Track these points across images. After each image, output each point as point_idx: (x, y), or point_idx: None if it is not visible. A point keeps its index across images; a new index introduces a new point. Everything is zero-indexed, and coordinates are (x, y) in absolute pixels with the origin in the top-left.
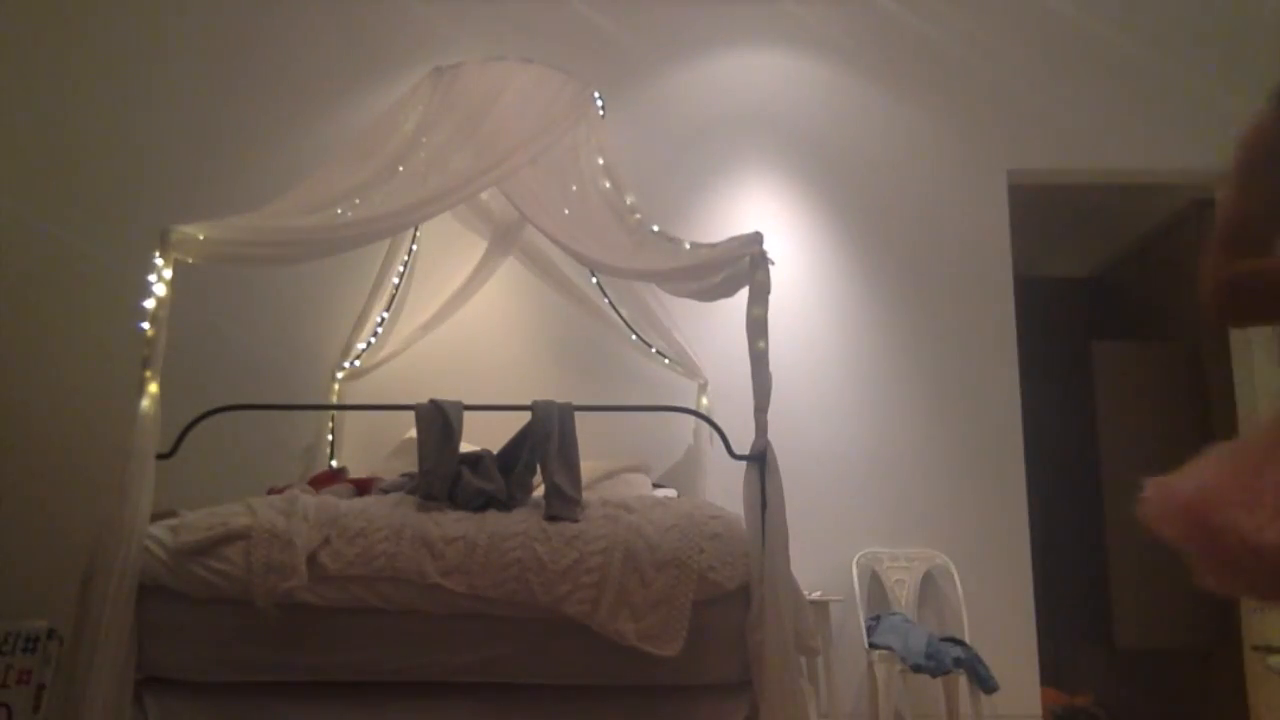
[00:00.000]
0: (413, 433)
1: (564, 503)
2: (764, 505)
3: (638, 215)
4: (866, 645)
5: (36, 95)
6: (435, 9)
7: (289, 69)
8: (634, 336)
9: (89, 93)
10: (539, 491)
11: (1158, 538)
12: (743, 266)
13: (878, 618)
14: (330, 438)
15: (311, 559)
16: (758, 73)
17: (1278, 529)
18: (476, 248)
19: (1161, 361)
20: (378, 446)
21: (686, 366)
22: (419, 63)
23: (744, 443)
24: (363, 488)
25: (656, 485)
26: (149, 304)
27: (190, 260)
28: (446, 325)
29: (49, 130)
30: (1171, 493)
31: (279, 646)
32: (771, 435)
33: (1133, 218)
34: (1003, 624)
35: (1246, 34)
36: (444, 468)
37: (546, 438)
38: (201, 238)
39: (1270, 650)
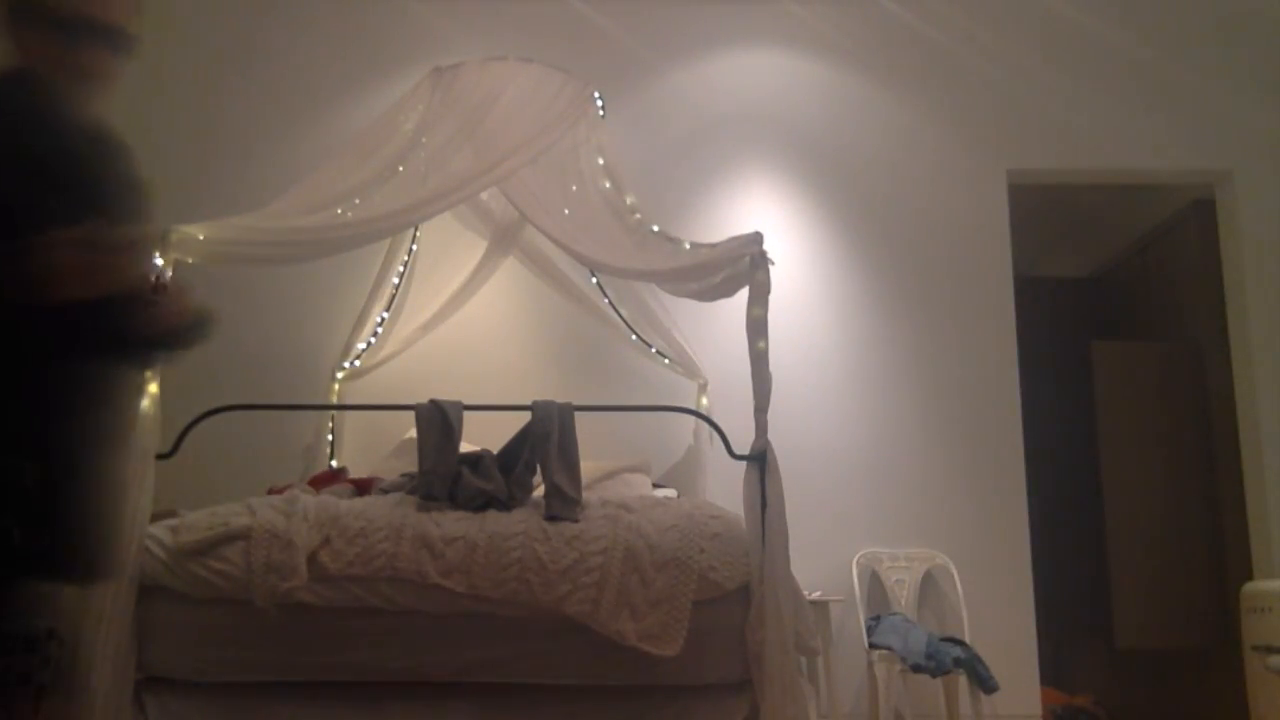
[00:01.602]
0: (413, 433)
1: (564, 503)
2: (764, 505)
3: (638, 215)
4: (866, 645)
5: None
6: (435, 9)
7: (289, 69)
8: (634, 336)
9: None
10: (539, 491)
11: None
12: (743, 266)
13: (878, 618)
14: (330, 438)
15: (311, 559)
16: (758, 73)
17: None
18: (476, 248)
19: (1161, 361)
20: (378, 446)
21: (686, 366)
22: (419, 63)
23: (744, 443)
24: (363, 488)
25: (656, 485)
26: None
27: (190, 260)
28: (446, 325)
29: None
30: None
31: (279, 646)
32: (771, 435)
33: (1133, 218)
34: (1003, 624)
35: (1247, 34)
36: (444, 468)
37: (546, 438)
38: (201, 238)
39: (1270, 650)
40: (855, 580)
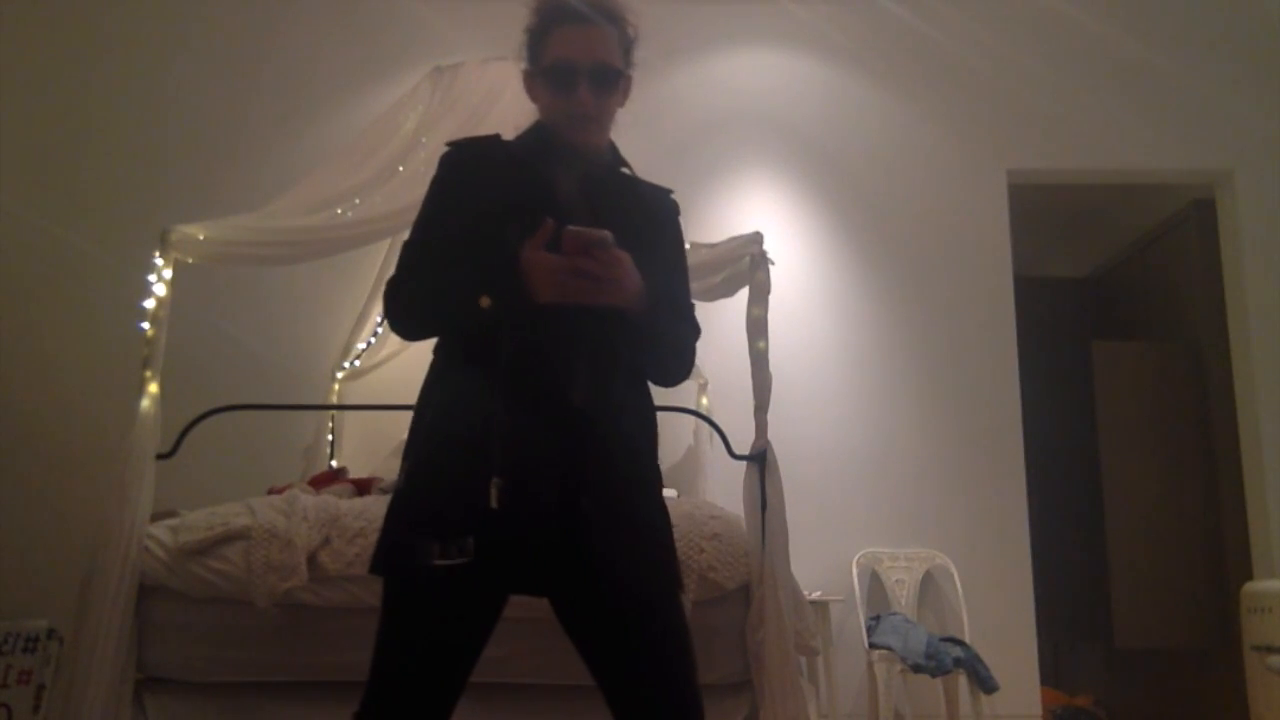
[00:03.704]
0: None
1: None
2: (764, 505)
3: None
4: (866, 645)
5: (38, 96)
6: (435, 9)
7: (289, 69)
8: None
9: (90, 93)
10: None
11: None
12: (743, 266)
13: (878, 618)
14: (330, 438)
15: (311, 559)
16: (758, 73)
17: None
18: None
19: (1161, 361)
20: (378, 446)
21: None
22: (419, 63)
23: (744, 443)
24: (363, 488)
25: None
26: (149, 304)
27: (190, 260)
28: None
29: (50, 130)
30: None
31: (279, 646)
32: (771, 435)
33: (1133, 218)
34: (1003, 624)
35: (1247, 34)
36: None
37: None
38: (201, 238)
39: (1270, 650)
40: (855, 580)
